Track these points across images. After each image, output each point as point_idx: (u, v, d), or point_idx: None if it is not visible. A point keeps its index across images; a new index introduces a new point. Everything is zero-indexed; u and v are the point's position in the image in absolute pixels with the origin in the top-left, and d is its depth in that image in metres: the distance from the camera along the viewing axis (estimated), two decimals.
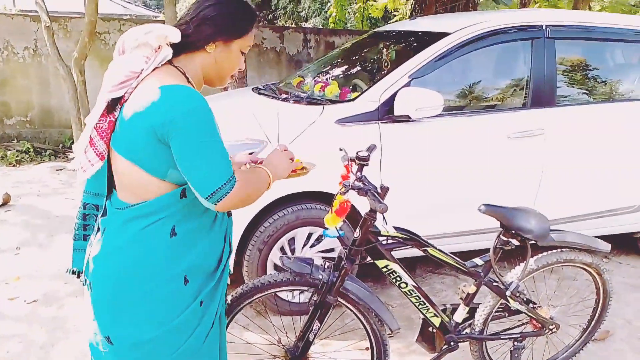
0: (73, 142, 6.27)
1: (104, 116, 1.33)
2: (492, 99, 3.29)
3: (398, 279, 2.03)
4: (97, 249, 1.39)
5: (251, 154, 1.78)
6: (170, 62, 1.37)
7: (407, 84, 2.88)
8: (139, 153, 1.29)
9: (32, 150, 6.52)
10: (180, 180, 1.33)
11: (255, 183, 1.41)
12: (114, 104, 1.33)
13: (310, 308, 1.99)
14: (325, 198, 2.78)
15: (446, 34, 3.05)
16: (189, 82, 1.37)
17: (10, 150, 6.44)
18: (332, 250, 2.94)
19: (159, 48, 1.33)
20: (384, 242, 2.00)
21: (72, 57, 5.41)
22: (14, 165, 6.10)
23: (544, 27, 3.17)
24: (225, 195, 1.28)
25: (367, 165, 1.91)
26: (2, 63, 6.63)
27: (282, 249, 2.87)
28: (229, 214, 1.55)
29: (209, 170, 1.27)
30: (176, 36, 1.34)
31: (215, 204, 1.28)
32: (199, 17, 1.37)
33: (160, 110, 1.24)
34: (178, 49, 1.38)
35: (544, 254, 2.24)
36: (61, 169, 5.90)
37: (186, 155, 1.25)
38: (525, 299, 2.20)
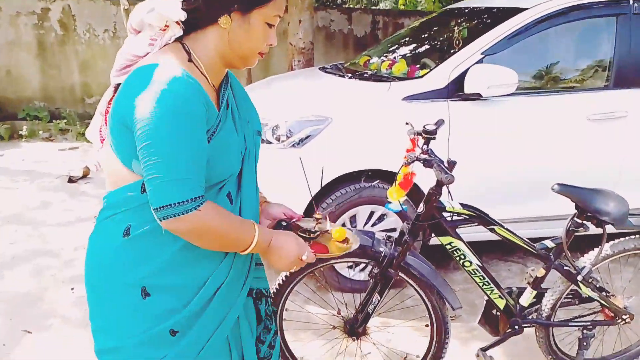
0: None
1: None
2: (571, 79, 3.11)
3: (462, 257, 1.98)
4: None
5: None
6: (179, 39, 1.15)
7: (480, 61, 2.78)
8: (113, 137, 1.13)
9: None
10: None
11: (229, 230, 1.12)
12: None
13: (371, 281, 1.99)
14: (389, 177, 2.75)
15: (523, 9, 2.91)
16: (192, 62, 1.13)
17: None
18: (394, 230, 2.91)
19: (165, 27, 1.13)
20: (449, 219, 1.96)
21: None
22: None
23: (631, 3, 2.96)
24: (175, 216, 1.03)
25: (434, 139, 1.85)
26: (85, 45, 7.01)
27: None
28: None
29: (166, 177, 1.01)
30: (177, 15, 1.09)
31: (161, 221, 1.05)
32: None
33: (125, 92, 1.07)
34: (190, 26, 1.14)
35: (622, 239, 2.11)
36: None
37: (143, 150, 1.02)
38: (597, 286, 2.08)
